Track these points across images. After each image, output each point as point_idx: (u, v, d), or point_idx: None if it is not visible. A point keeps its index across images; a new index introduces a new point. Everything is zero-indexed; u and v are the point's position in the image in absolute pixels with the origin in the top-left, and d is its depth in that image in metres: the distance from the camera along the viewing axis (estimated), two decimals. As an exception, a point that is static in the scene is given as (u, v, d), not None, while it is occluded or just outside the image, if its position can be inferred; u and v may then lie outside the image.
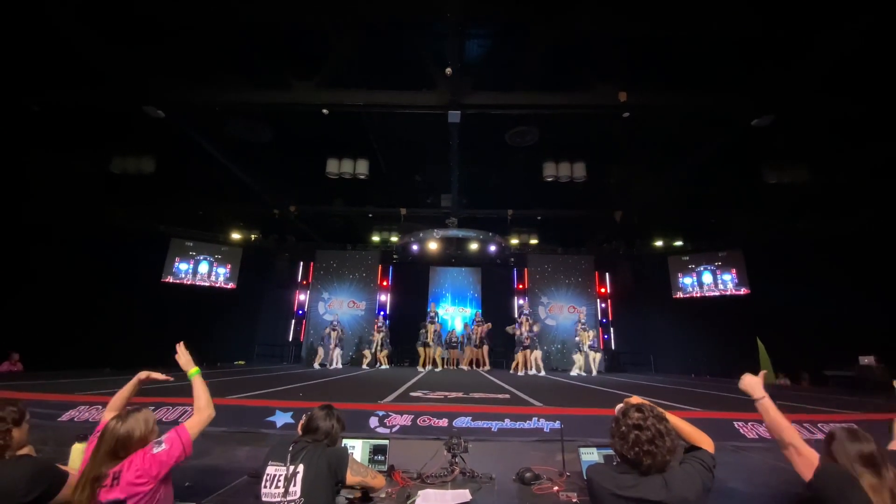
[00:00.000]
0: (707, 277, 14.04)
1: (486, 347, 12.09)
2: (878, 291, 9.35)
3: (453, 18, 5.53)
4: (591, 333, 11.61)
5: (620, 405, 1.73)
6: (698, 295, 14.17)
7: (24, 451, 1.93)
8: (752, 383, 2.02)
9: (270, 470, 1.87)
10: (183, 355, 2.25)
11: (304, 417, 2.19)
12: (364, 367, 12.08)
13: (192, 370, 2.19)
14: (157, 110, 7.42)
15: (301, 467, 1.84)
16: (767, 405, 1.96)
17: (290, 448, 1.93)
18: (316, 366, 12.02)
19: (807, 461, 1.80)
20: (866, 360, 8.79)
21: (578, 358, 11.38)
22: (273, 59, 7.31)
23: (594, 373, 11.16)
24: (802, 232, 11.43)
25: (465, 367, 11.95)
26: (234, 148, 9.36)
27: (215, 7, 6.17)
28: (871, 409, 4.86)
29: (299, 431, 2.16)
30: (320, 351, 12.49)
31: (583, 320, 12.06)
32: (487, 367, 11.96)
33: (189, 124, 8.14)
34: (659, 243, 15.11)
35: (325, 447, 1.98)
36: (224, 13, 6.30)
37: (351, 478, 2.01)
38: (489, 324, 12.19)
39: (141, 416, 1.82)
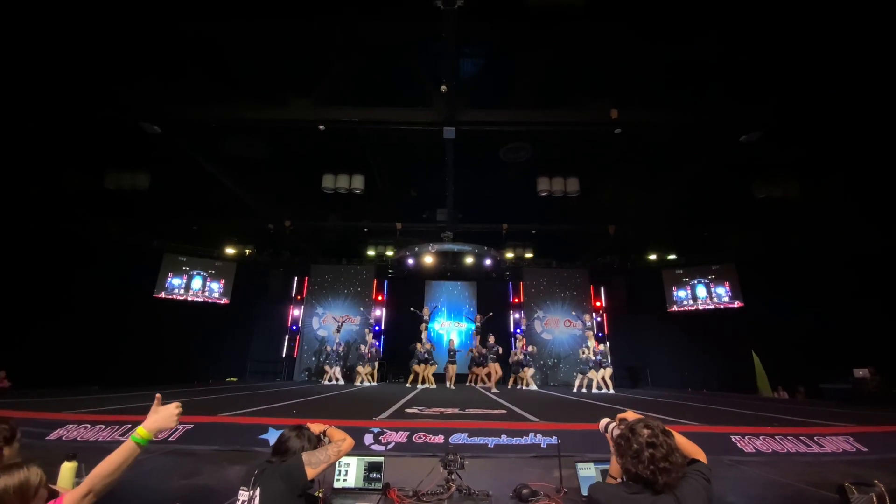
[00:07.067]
0: (701, 291, 14.12)
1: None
2: (871, 304, 9.43)
3: (447, 38, 5.67)
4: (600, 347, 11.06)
5: (607, 420, 1.70)
6: (693, 308, 14.23)
7: (14, 470, 1.89)
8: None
9: (241, 495, 1.84)
10: (155, 411, 1.70)
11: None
12: (357, 384, 11.95)
13: (142, 434, 1.62)
14: (153, 126, 7.47)
15: (258, 491, 1.81)
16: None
17: (256, 471, 1.90)
18: (335, 381, 12.26)
19: None
20: (861, 372, 8.82)
21: (594, 374, 10.63)
22: (271, 77, 7.41)
23: (611, 389, 10.41)
24: (794, 246, 11.57)
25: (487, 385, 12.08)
26: (229, 163, 9.39)
27: (215, 30, 6.30)
28: (869, 422, 4.86)
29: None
30: (329, 369, 12.57)
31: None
32: (489, 385, 12.10)
33: (185, 140, 8.17)
34: (653, 257, 15.22)
35: (280, 464, 1.93)
36: (223, 35, 6.42)
37: (316, 471, 1.93)
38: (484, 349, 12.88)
39: (14, 477, 1.28)
